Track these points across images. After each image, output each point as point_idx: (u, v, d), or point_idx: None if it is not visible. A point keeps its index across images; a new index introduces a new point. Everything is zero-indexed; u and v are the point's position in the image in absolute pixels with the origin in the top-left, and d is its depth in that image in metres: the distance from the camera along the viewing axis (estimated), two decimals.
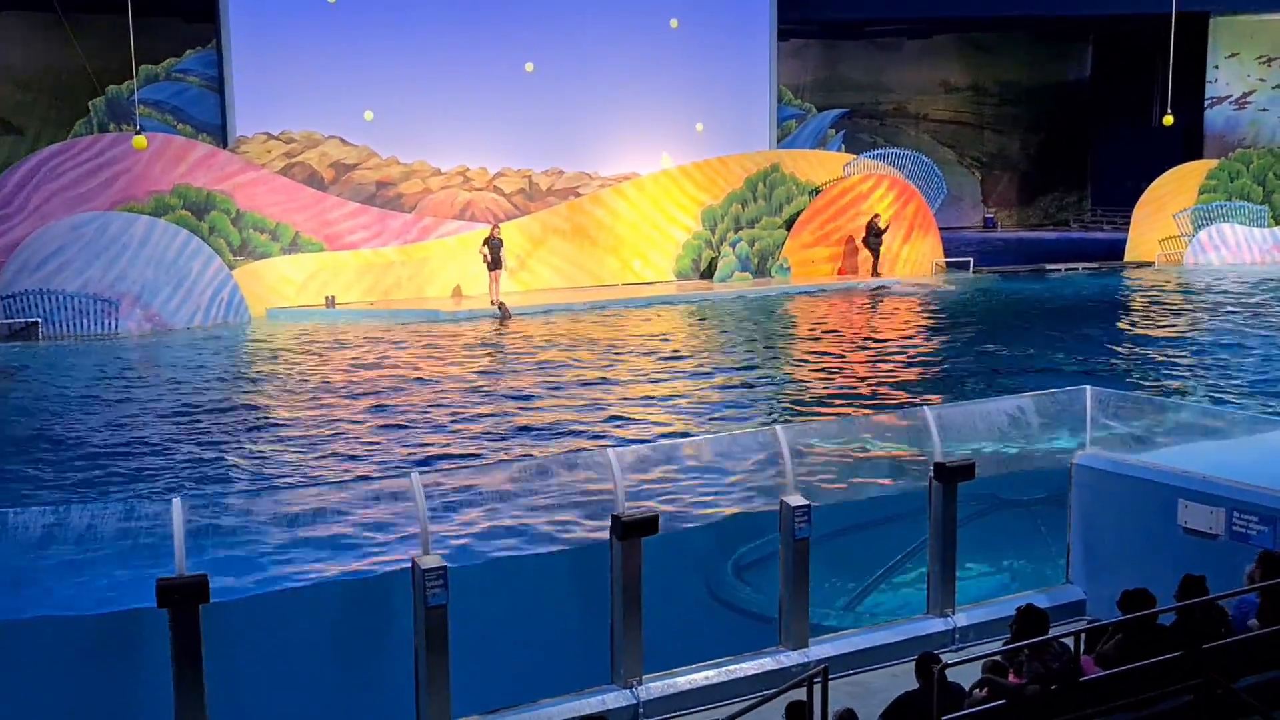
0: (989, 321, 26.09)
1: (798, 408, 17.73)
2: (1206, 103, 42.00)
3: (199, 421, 16.86)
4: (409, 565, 7.92)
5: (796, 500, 9.13)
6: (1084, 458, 10.34)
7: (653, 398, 18.33)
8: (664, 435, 15.61)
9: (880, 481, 12.29)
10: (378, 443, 15.72)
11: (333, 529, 10.24)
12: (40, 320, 23.73)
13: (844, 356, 21.78)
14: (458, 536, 10.44)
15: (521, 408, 17.65)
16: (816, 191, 32.66)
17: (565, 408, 17.60)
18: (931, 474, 9.81)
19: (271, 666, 9.60)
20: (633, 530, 8.47)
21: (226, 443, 15.78)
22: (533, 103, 30.17)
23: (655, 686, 8.63)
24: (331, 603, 10.90)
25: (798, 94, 37.98)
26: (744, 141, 33.12)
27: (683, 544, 11.46)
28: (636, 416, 17.03)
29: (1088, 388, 10.80)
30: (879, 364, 20.93)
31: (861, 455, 12.37)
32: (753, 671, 8.96)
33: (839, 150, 35.38)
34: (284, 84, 27.94)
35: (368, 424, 16.75)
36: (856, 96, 44.04)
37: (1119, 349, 22.21)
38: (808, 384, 19.43)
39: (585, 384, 19.23)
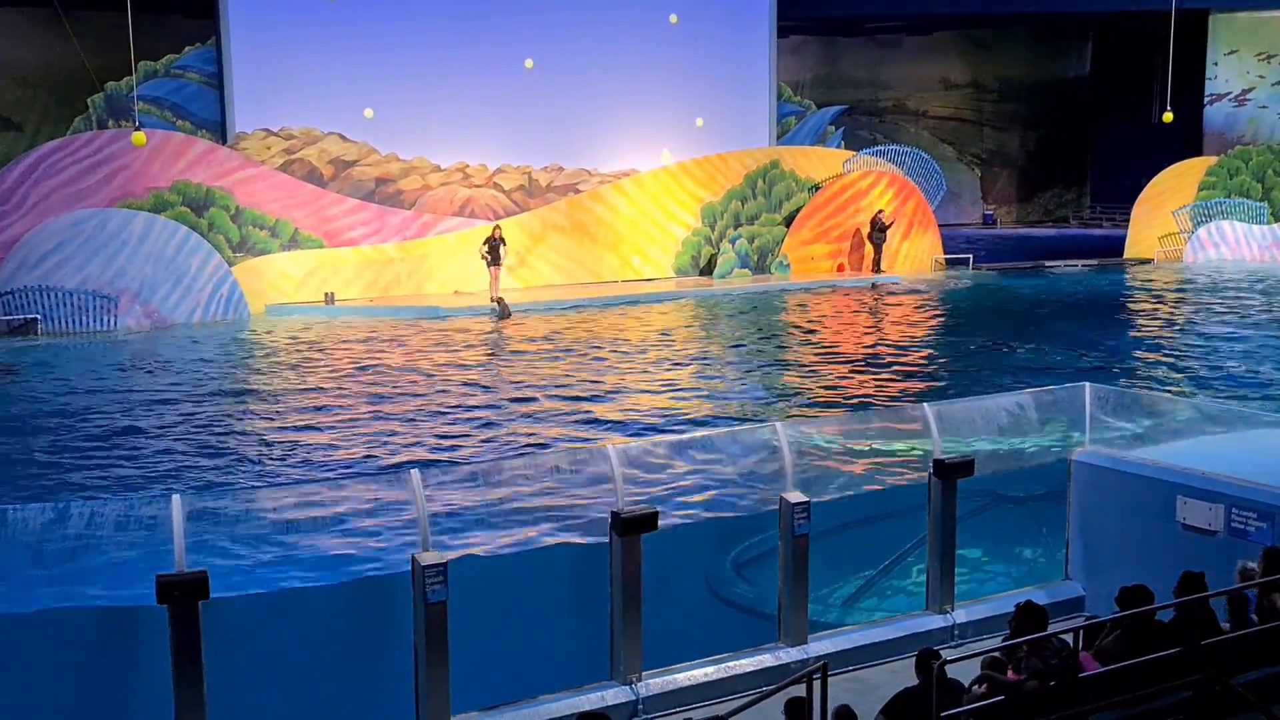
0: (988, 318, 26.09)
1: (797, 404, 17.73)
2: (1206, 99, 41.99)
3: (197, 418, 16.86)
4: (408, 562, 7.93)
5: (796, 496, 9.13)
6: (1083, 454, 10.35)
7: (652, 394, 18.33)
8: (664, 431, 15.61)
9: (879, 478, 12.29)
10: (377, 439, 15.71)
11: (331, 526, 10.24)
12: (39, 317, 23.73)
13: (844, 353, 21.78)
14: (457, 533, 10.43)
15: (520, 404, 17.65)
16: (816, 188, 32.67)
17: (564, 404, 17.60)
18: (931, 470, 9.81)
19: (271, 663, 9.60)
20: (632, 527, 8.47)
21: (225, 440, 15.77)
22: (532, 99, 30.18)
23: (655, 683, 8.64)
24: (330, 600, 10.90)
25: (797, 90, 37.97)
26: (744, 138, 33.12)
27: (682, 540, 11.46)
28: (636, 413, 17.03)
29: (1087, 384, 10.80)
30: (879, 361, 20.93)
31: (861, 451, 12.36)
32: (752, 668, 8.96)
33: (839, 147, 35.41)
34: (283, 80, 27.94)
35: (366, 421, 16.75)
36: (856, 93, 44.04)
37: (1118, 346, 22.21)
38: (807, 381, 19.42)
39: (584, 380, 19.23)
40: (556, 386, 18.83)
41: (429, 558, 7.80)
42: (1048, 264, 34.68)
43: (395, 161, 29.13)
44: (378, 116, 28.79)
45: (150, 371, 20.40)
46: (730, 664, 8.96)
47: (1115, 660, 7.07)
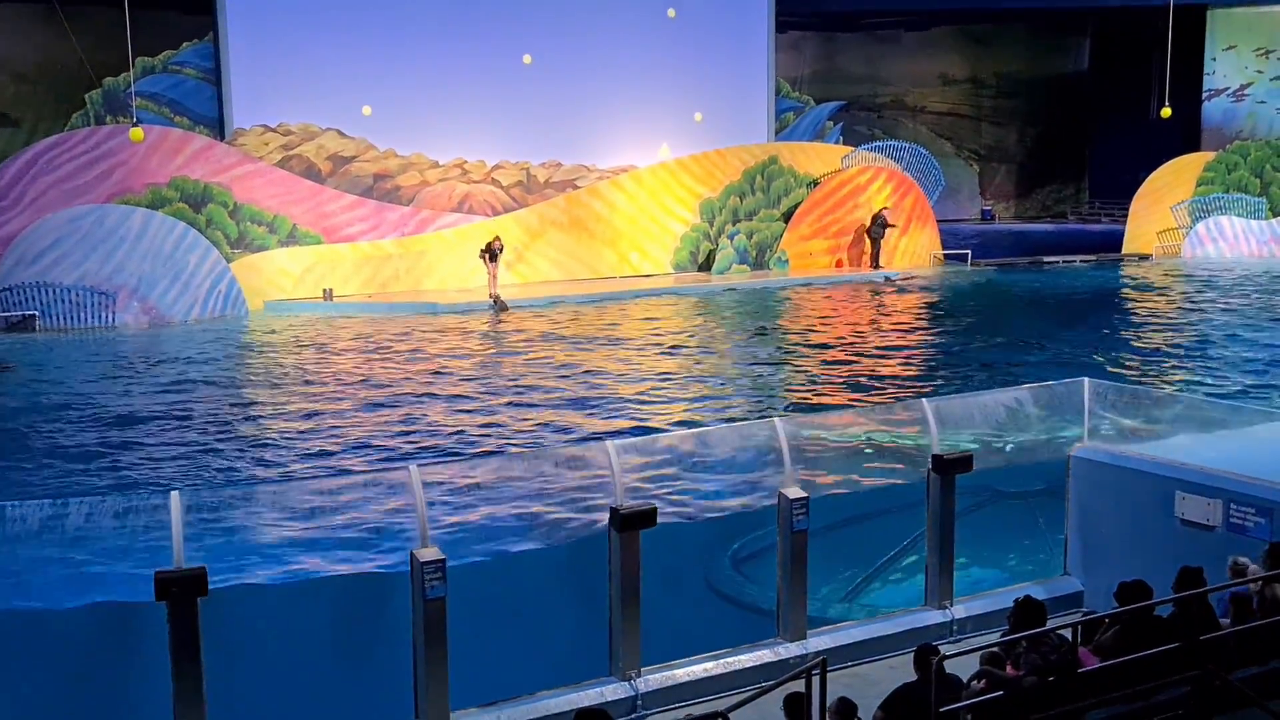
0: (987, 313, 26.09)
1: (796, 400, 17.73)
2: (1204, 95, 41.99)
3: (195, 415, 16.85)
4: (407, 558, 7.92)
5: (795, 492, 9.13)
6: (1082, 450, 10.34)
7: (651, 390, 18.32)
8: (662, 427, 15.60)
9: (878, 474, 12.29)
10: (375, 436, 15.71)
11: (331, 522, 10.23)
12: (37, 313, 23.71)
13: (842, 349, 21.77)
14: (456, 530, 10.43)
15: (518, 400, 17.64)
16: (815, 184, 32.66)
17: (562, 400, 17.60)
18: (930, 466, 9.81)
19: (271, 659, 9.60)
20: (631, 523, 8.47)
21: (223, 436, 15.76)
22: (530, 95, 30.15)
23: (654, 678, 8.64)
24: (330, 596, 10.90)
25: (795, 86, 37.95)
26: (742, 134, 33.12)
27: (681, 536, 11.46)
28: (635, 409, 17.02)
29: (1085, 380, 10.80)
30: (878, 356, 20.92)
31: (860, 447, 12.36)
32: (751, 663, 8.96)
33: (837, 143, 35.41)
34: (281, 76, 27.91)
35: (365, 417, 16.74)
36: (854, 89, 44.02)
37: (1116, 341, 22.21)
38: (806, 377, 19.42)
39: (583, 376, 19.22)
40: (554, 382, 18.82)
41: (427, 554, 7.79)
42: (1046, 259, 34.68)
43: (393, 157, 29.11)
44: (376, 112, 28.76)
45: (147, 367, 20.38)
46: (729, 660, 8.96)
47: (1114, 655, 7.07)
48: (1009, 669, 6.97)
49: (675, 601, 10.42)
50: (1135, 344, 21.88)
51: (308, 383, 19.09)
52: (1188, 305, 26.57)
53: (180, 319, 24.57)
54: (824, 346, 22.05)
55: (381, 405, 17.42)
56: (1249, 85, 41.97)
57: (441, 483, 9.50)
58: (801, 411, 16.64)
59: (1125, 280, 31.22)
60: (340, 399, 17.87)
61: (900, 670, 7.79)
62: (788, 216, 32.20)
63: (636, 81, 31.71)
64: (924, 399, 10.25)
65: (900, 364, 20.30)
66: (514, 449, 14.74)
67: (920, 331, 23.74)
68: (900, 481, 10.84)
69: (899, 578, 12.40)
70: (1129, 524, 9.87)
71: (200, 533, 8.10)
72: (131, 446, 15.17)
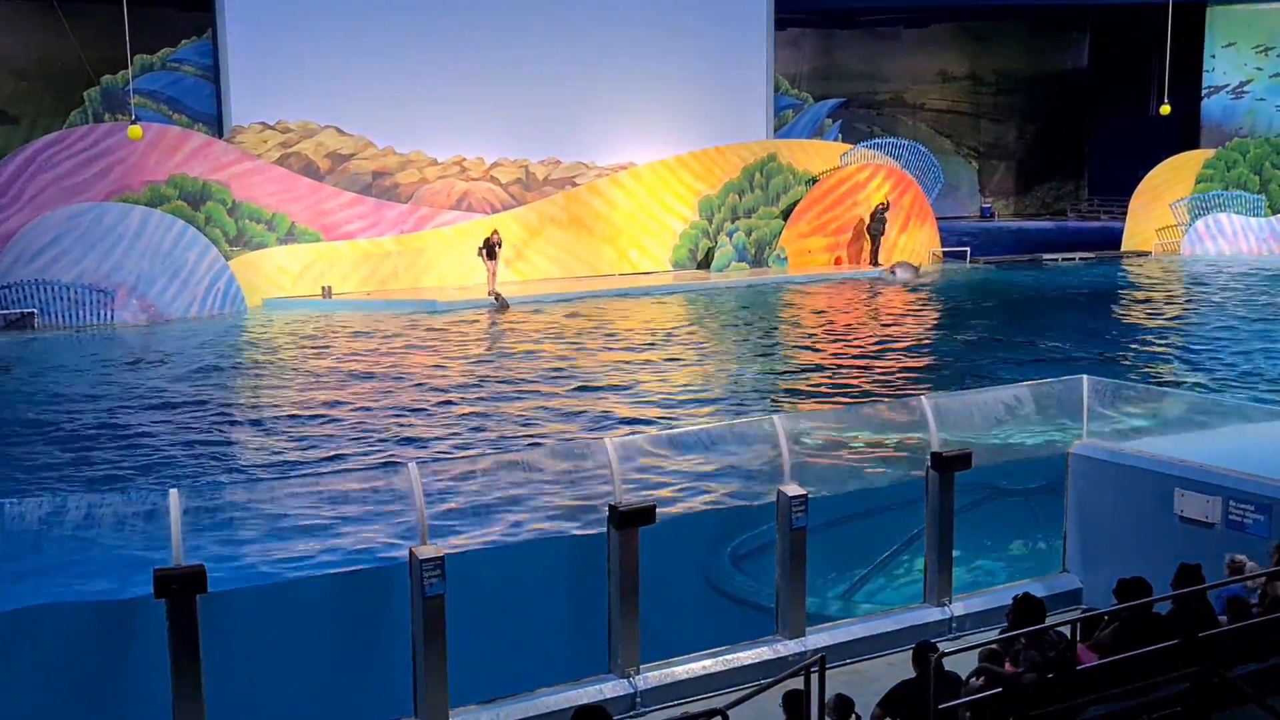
0: (986, 311, 26.09)
1: (796, 397, 17.73)
2: (1204, 92, 41.96)
3: (194, 412, 16.84)
4: (406, 556, 7.91)
5: (794, 490, 9.13)
6: (1080, 447, 10.34)
7: (650, 388, 18.32)
8: (662, 425, 15.61)
9: (878, 471, 12.30)
10: (374, 433, 15.70)
11: (330, 519, 10.24)
12: (36, 311, 23.69)
13: (841, 346, 21.77)
14: (455, 527, 10.43)
15: (518, 397, 17.64)
16: (813, 181, 32.64)
17: (562, 397, 17.59)
18: (929, 463, 9.81)
19: (270, 656, 9.60)
20: (630, 520, 8.46)
21: (222, 434, 15.76)
22: (529, 92, 30.11)
23: (653, 675, 8.64)
24: (329, 593, 10.90)
25: (794, 83, 37.93)
26: (741, 131, 33.09)
27: (680, 534, 11.46)
28: (634, 406, 17.02)
29: (1084, 377, 10.79)
30: (877, 354, 20.92)
31: (859, 445, 12.37)
32: (750, 661, 8.96)
33: (836, 140, 35.38)
34: (280, 74, 27.88)
35: (364, 415, 16.73)
36: (853, 86, 44.00)
37: (1116, 338, 22.21)
38: (806, 374, 19.42)
39: (582, 374, 19.22)
40: (554, 380, 18.81)
41: (426, 551, 7.79)
42: (1045, 257, 34.67)
43: (392, 155, 29.08)
44: (374, 109, 28.70)
45: (147, 365, 20.37)
46: (728, 657, 8.96)
47: (1112, 652, 7.07)
48: (1008, 666, 6.97)
49: (674, 598, 10.42)
50: (1134, 341, 21.87)
51: (306, 379, 19.08)
52: (1187, 303, 26.57)
53: (179, 317, 24.55)
54: (823, 343, 22.04)
55: (380, 401, 17.41)
56: (1248, 82, 41.95)
57: (440, 480, 9.49)
58: (802, 405, 16.64)
59: (1124, 278, 31.21)
60: (338, 396, 17.86)
61: (899, 667, 7.80)
62: (787, 214, 32.19)
63: (636, 78, 31.68)
64: (923, 396, 10.25)
65: (898, 361, 20.30)
66: (513, 446, 14.74)
67: (919, 329, 23.73)
68: (903, 470, 10.84)
69: (900, 575, 12.41)
70: (1128, 521, 9.87)
71: (199, 530, 8.09)
72: (131, 445, 15.17)
